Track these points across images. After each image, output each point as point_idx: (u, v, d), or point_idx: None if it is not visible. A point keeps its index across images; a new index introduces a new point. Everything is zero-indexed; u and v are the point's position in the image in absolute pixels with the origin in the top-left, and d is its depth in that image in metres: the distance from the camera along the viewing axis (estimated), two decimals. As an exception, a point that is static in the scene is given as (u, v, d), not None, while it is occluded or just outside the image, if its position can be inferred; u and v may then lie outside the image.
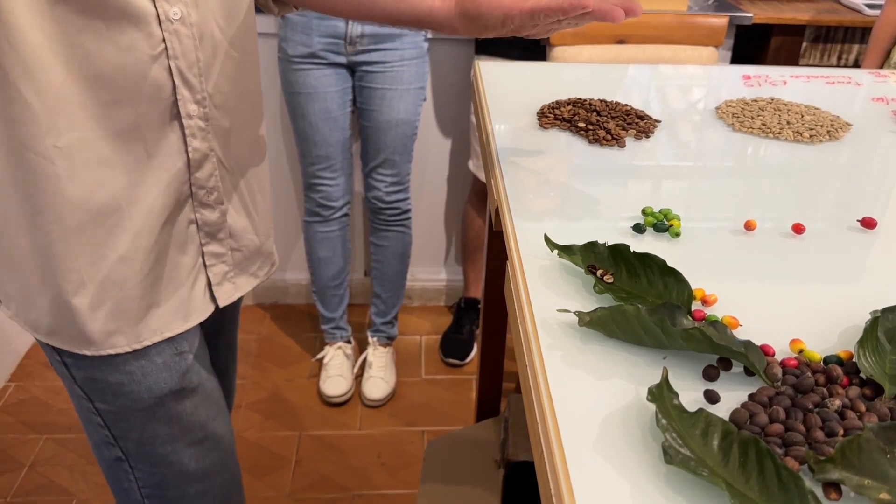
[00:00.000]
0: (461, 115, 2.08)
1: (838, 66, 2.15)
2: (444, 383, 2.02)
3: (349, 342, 2.02)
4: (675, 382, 0.51)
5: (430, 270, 2.31)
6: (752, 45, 2.14)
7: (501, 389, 1.45)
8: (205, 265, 0.82)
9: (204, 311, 0.83)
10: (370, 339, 2.01)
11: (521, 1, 0.66)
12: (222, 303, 0.85)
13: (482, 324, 1.30)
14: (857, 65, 2.13)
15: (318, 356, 2.01)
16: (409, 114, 1.77)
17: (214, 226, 0.81)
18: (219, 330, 0.99)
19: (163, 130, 0.72)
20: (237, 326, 1.05)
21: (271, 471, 1.72)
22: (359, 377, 1.99)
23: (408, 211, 1.90)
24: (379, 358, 1.98)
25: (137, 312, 0.77)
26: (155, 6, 0.66)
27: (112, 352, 0.77)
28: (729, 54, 2.06)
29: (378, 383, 1.95)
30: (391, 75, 1.72)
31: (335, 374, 1.94)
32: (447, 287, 2.32)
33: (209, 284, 0.83)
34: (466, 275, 2.17)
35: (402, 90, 1.74)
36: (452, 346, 2.10)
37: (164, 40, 0.68)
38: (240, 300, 0.99)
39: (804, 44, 2.11)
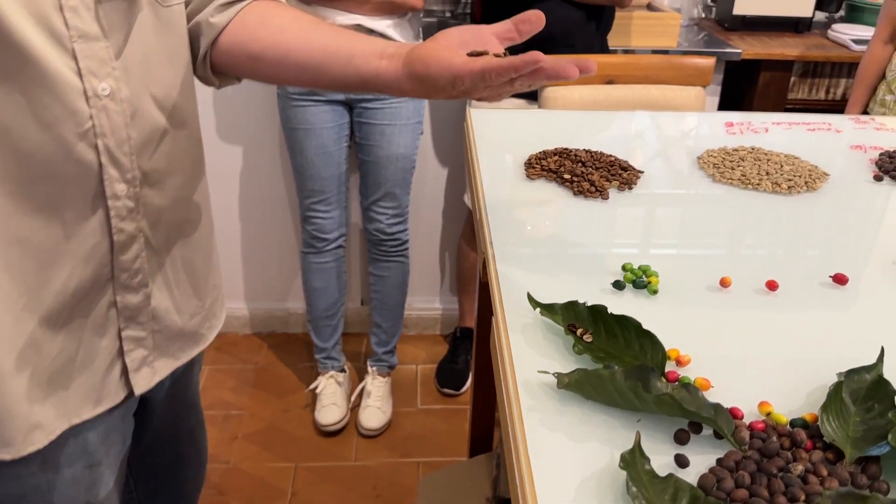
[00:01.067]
0: (457, 147, 2.12)
1: (826, 100, 2.19)
2: (441, 413, 2.04)
3: (342, 371, 2.04)
4: (648, 445, 0.54)
5: (426, 299, 2.34)
6: (741, 80, 2.19)
7: (494, 420, 1.47)
8: (122, 350, 0.75)
9: (117, 396, 0.77)
10: (370, 369, 2.03)
11: (470, 61, 0.63)
12: (139, 390, 0.78)
13: (475, 362, 1.33)
14: (844, 98, 2.17)
15: (311, 387, 2.03)
16: (408, 148, 1.81)
17: (136, 309, 0.75)
18: (171, 397, 0.92)
19: (85, 210, 0.66)
20: (196, 386, 0.99)
21: (267, 502, 1.74)
22: (356, 407, 2.01)
23: (407, 241, 1.94)
24: (378, 387, 2.01)
25: (46, 400, 0.69)
26: (82, 80, 0.62)
27: (33, 449, 0.69)
28: (718, 88, 2.10)
29: (375, 413, 1.97)
30: (389, 111, 1.76)
31: (329, 403, 1.96)
32: (443, 316, 2.35)
33: (125, 370, 0.77)
34: (462, 305, 2.19)
35: (400, 125, 1.78)
36: (448, 376, 2.12)
37: (91, 117, 0.63)
38: (200, 358, 0.92)
39: (793, 79, 2.16)
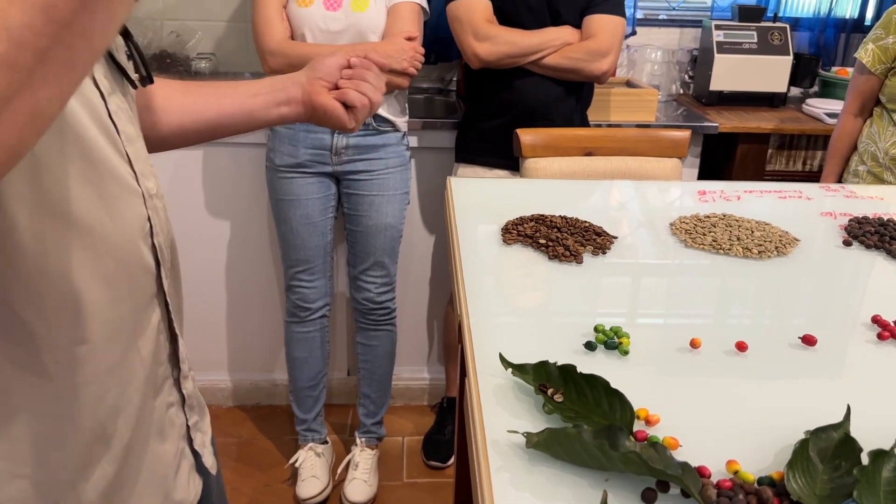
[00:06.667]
0: (442, 217, 2.15)
1: (803, 170, 2.25)
2: (426, 487, 2.00)
3: (324, 442, 2.01)
4: (615, 504, 0.53)
5: (414, 369, 2.32)
6: (719, 152, 2.25)
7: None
8: (190, 442, 0.73)
9: (189, 494, 0.73)
10: (358, 440, 2.00)
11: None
12: (214, 469, 0.78)
13: (457, 433, 1.32)
14: (821, 169, 2.22)
15: (291, 461, 1.98)
16: (396, 218, 1.85)
17: (193, 397, 0.74)
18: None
19: (147, 316, 0.65)
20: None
21: (247, 582, 1.68)
22: (342, 480, 1.96)
23: (395, 310, 1.95)
24: (366, 460, 1.97)
25: None
26: (139, 183, 0.62)
27: None
28: (697, 160, 2.15)
29: (361, 486, 1.92)
30: (377, 182, 1.80)
31: (308, 476, 1.92)
32: (430, 386, 2.33)
33: (194, 464, 0.74)
34: (448, 374, 2.18)
35: (388, 196, 1.82)
36: (434, 448, 2.09)
37: (148, 218, 0.63)
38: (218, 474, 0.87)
39: (770, 150, 2.22)
